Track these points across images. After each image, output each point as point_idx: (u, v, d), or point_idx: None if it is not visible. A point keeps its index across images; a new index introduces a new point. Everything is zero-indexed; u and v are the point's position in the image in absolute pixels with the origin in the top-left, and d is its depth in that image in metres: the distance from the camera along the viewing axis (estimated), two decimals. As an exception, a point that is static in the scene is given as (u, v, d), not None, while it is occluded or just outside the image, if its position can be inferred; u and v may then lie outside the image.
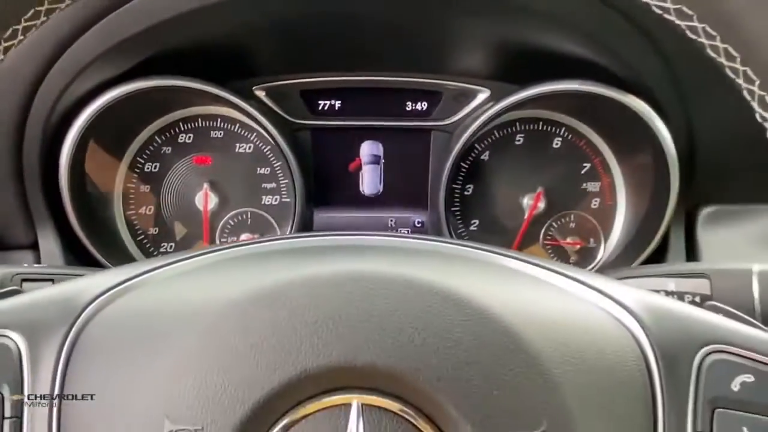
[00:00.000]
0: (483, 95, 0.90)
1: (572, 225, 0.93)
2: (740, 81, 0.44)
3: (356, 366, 0.39)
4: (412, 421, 0.39)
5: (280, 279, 0.42)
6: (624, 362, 0.43)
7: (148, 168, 0.92)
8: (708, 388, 0.42)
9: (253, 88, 0.89)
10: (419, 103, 0.92)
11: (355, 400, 0.39)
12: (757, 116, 0.45)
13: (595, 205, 0.93)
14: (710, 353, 0.43)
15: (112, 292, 0.46)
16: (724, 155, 0.79)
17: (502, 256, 0.48)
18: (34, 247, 0.81)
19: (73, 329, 0.44)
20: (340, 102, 0.92)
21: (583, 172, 0.93)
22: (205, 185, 0.92)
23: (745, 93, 0.45)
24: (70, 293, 0.46)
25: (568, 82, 0.81)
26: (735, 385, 0.42)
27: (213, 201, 0.93)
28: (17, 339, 0.43)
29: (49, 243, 0.81)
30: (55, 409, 0.42)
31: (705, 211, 0.84)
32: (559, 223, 0.93)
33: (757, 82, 0.43)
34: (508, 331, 0.41)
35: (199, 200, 0.92)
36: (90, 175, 0.86)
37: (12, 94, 0.74)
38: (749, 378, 0.42)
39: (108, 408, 0.41)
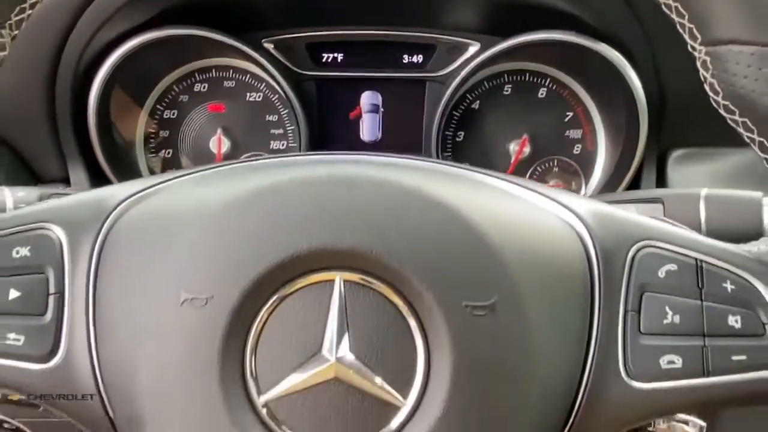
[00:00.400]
0: (473, 48, 0.97)
1: (556, 169, 1.01)
2: (673, 16, 0.52)
3: (340, 248, 0.47)
4: (384, 293, 0.47)
5: (276, 180, 0.51)
6: (569, 255, 0.51)
7: (166, 115, 1.01)
8: (638, 275, 0.50)
9: (263, 40, 0.97)
10: (415, 56, 1.00)
11: (338, 276, 0.47)
12: (689, 47, 0.52)
13: (577, 150, 1.01)
14: (642, 248, 0.51)
15: (136, 196, 0.54)
16: (690, 101, 0.86)
17: (470, 171, 0.56)
18: (66, 181, 0.91)
19: (105, 226, 0.52)
20: (342, 54, 1.00)
21: (566, 120, 1.01)
22: (219, 130, 1.01)
23: (678, 27, 0.52)
24: (102, 196, 0.54)
25: (548, 32, 0.89)
26: (661, 273, 0.50)
27: (226, 145, 1.01)
28: (58, 232, 0.51)
29: (78, 177, 0.91)
30: (90, 288, 0.50)
31: (674, 154, 0.91)
32: (543, 167, 1.01)
33: (687, 16, 0.51)
34: (469, 222, 0.48)
35: (213, 144, 1.01)
36: (114, 120, 0.95)
37: (46, 40, 0.82)
38: (673, 267, 0.50)
39: (134, 287, 0.49)
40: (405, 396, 0.46)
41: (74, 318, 0.50)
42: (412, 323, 0.47)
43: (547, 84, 1.00)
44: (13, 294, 0.49)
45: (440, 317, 0.46)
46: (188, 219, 0.50)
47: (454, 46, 0.98)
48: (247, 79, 1.01)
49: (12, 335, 0.49)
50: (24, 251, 0.50)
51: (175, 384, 0.47)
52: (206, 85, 1.01)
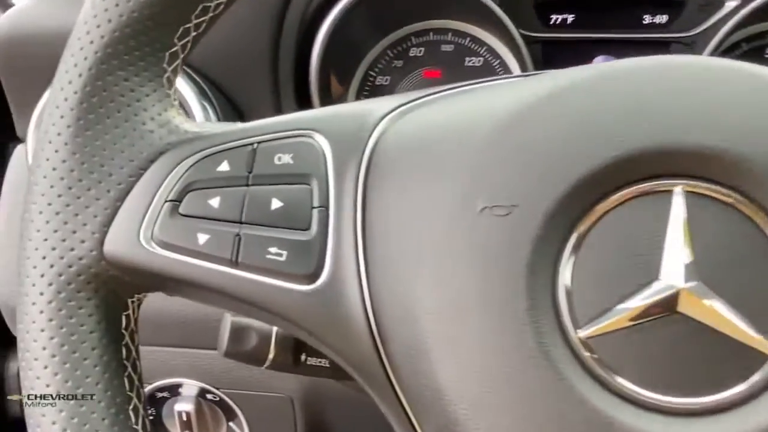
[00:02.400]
0: (733, 3, 0.84)
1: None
2: None
3: (681, 149, 0.37)
4: (743, 210, 0.36)
5: (595, 73, 0.41)
6: None
7: (379, 81, 0.95)
8: None
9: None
10: (658, 16, 0.88)
11: (678, 186, 0.37)
12: None
13: None
14: None
15: (403, 107, 0.47)
16: None
17: None
18: None
19: (372, 138, 0.45)
20: (574, 15, 0.90)
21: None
22: (435, 97, 0.94)
23: None
24: (365, 110, 0.47)
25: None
26: None
27: (441, 113, 0.94)
28: (322, 141, 0.45)
29: None
30: (359, 203, 0.43)
31: None
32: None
33: None
34: None
35: (428, 112, 0.94)
36: (331, 84, 0.90)
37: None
38: None
39: (414, 201, 0.41)
40: None
41: (341, 235, 0.42)
42: None
43: (820, 46, 0.86)
44: (275, 204, 0.43)
45: None
46: (481, 124, 0.42)
47: (708, 2, 0.85)
48: (466, 43, 0.93)
49: (274, 249, 0.42)
50: (286, 158, 0.44)
51: (468, 306, 0.38)
52: (422, 49, 0.94)
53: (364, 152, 0.44)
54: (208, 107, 0.76)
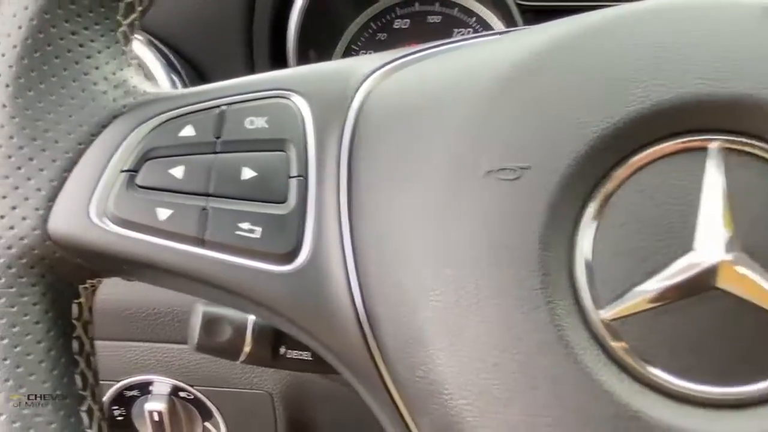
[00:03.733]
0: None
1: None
2: None
3: (716, 100, 0.32)
4: None
5: (605, 16, 0.36)
6: None
7: (362, 54, 0.90)
8: None
9: (474, -36, 0.85)
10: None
11: (715, 143, 0.32)
12: None
13: None
14: None
15: (390, 66, 0.42)
16: None
17: None
18: None
19: (356, 98, 0.40)
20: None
21: None
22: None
23: None
24: (348, 68, 0.42)
25: None
26: None
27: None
28: (300, 103, 0.40)
29: None
30: (343, 171, 0.38)
31: None
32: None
33: None
34: None
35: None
36: (311, 58, 0.84)
37: None
38: None
39: (408, 165, 0.36)
40: None
41: (322, 208, 0.38)
42: None
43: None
44: (247, 173, 0.39)
45: None
46: (482, 76, 0.37)
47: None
48: (455, 13, 0.88)
49: (246, 225, 0.38)
50: (260, 122, 0.40)
51: (471, 286, 0.33)
52: (407, 21, 0.89)
53: (348, 115, 0.39)
54: (176, 80, 0.71)
